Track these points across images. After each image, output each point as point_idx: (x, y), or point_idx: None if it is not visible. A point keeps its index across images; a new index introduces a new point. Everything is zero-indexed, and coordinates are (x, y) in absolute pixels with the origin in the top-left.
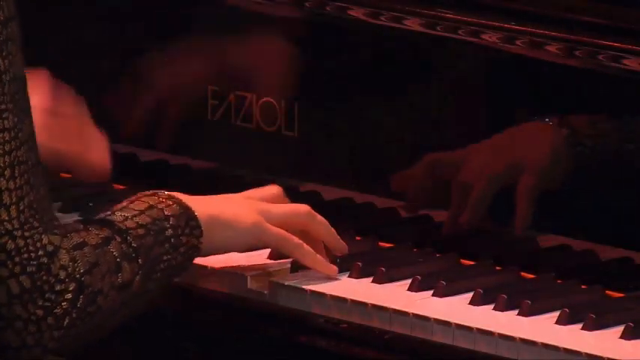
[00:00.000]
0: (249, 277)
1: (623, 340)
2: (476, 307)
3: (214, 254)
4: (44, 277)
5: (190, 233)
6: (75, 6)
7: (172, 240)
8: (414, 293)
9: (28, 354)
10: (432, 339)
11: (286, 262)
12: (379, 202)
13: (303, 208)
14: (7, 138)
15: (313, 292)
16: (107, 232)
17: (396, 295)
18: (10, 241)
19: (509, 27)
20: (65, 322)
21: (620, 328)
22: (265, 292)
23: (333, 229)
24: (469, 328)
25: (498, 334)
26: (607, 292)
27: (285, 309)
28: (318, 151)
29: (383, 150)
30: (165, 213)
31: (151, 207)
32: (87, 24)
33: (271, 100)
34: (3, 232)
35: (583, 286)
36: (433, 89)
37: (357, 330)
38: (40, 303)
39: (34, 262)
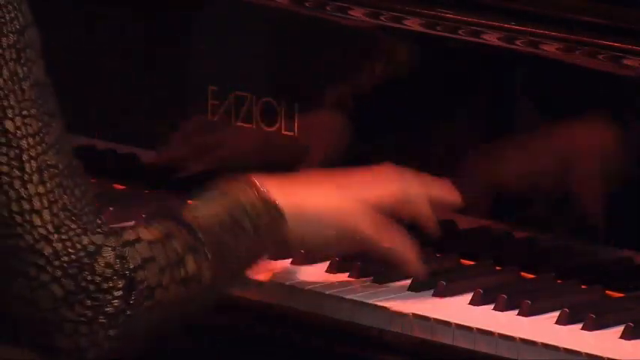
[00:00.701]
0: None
1: (623, 340)
2: (476, 307)
3: (307, 249)
4: (88, 277)
5: (271, 218)
6: (74, 6)
7: (250, 229)
8: (414, 293)
9: (86, 356)
10: (432, 339)
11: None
12: None
13: (415, 188)
14: (32, 143)
15: (312, 292)
16: (171, 226)
17: (396, 295)
18: (47, 246)
19: (509, 27)
20: (120, 320)
21: (620, 328)
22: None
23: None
24: (469, 328)
25: (498, 334)
26: (607, 292)
27: (283, 308)
28: (318, 151)
29: (383, 150)
30: (241, 199)
31: (226, 194)
32: (87, 24)
33: (271, 100)
34: (38, 237)
35: (583, 286)
36: (433, 89)
37: (357, 330)
38: (89, 303)
39: (75, 264)
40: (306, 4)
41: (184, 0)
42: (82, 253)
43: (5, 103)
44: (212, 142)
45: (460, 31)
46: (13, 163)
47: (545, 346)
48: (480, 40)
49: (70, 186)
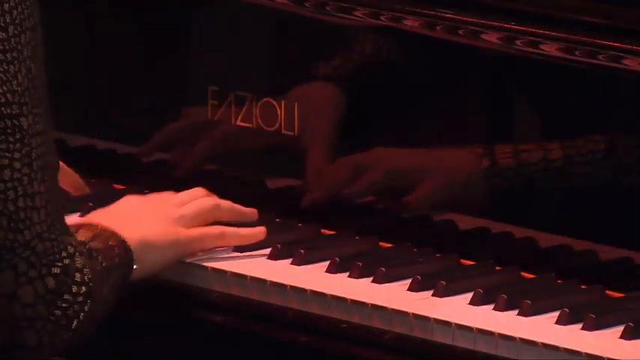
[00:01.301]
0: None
1: (623, 340)
2: (476, 307)
3: (140, 278)
4: (64, 279)
5: (128, 265)
6: (74, 6)
7: (121, 269)
8: (414, 293)
9: (41, 354)
10: (432, 339)
11: None
12: (379, 202)
13: (206, 202)
14: (39, 142)
15: (312, 292)
16: (85, 249)
17: (396, 295)
18: (39, 244)
19: (509, 27)
20: (74, 325)
21: (620, 328)
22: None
23: (237, 207)
24: (469, 328)
25: (498, 334)
26: (607, 292)
27: (282, 308)
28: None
29: (383, 149)
30: (110, 243)
31: (97, 236)
32: (86, 24)
33: (271, 100)
34: (34, 234)
35: (583, 286)
36: (433, 89)
37: (357, 330)
38: (59, 304)
39: (59, 264)
40: (306, 4)
41: (184, 0)
42: (64, 254)
43: (22, 100)
44: (211, 141)
45: (460, 31)
46: (25, 160)
47: (545, 346)
48: (480, 40)
49: (58, 188)
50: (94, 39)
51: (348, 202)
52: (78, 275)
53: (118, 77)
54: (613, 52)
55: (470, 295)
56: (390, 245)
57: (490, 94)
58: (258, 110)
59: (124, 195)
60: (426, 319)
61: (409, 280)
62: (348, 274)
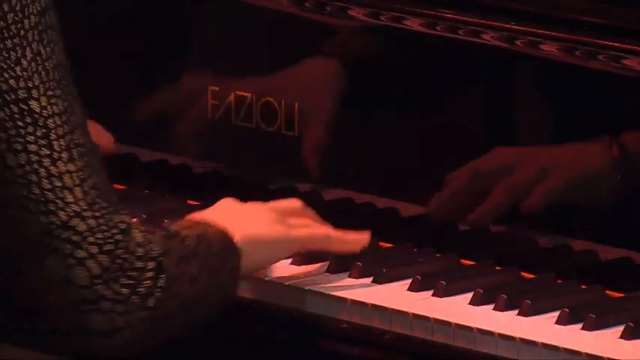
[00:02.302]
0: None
1: (623, 340)
2: (476, 307)
3: (248, 274)
4: (123, 255)
5: (234, 255)
6: (73, 6)
7: (219, 258)
8: (414, 293)
9: (121, 337)
10: (432, 339)
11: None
12: (379, 202)
13: (321, 232)
14: (58, 122)
15: (312, 292)
16: (169, 232)
17: (396, 295)
18: (81, 222)
19: (509, 27)
20: (150, 302)
21: (620, 328)
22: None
23: (348, 239)
24: (469, 328)
25: (498, 334)
26: (607, 292)
27: (283, 308)
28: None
29: (383, 150)
30: (210, 231)
31: (195, 224)
32: (86, 24)
33: (271, 100)
34: (72, 214)
35: (583, 286)
36: (433, 89)
37: (357, 330)
38: (124, 281)
39: (110, 240)
40: (306, 5)
41: (184, 0)
42: (115, 230)
43: (30, 84)
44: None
45: (460, 31)
46: (41, 141)
47: (545, 346)
48: (480, 40)
49: (98, 166)
50: (93, 39)
51: (347, 203)
52: (140, 250)
53: (118, 77)
54: (613, 52)
55: (470, 295)
56: (390, 245)
57: (490, 94)
58: (258, 110)
59: (124, 195)
60: (426, 319)
61: (409, 280)
62: (348, 274)
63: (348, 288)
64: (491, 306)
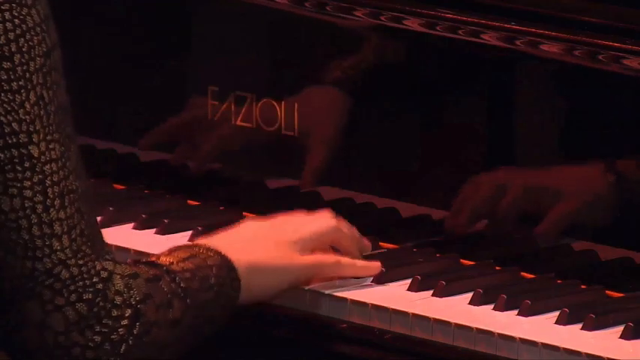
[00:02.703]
0: None
1: (623, 340)
2: (476, 307)
3: (251, 303)
4: (101, 303)
5: (231, 286)
6: (73, 5)
7: (216, 289)
8: (413, 293)
9: None
10: (432, 339)
11: None
12: (379, 202)
13: (326, 225)
14: (54, 168)
15: (312, 292)
16: (156, 271)
17: (395, 295)
18: (64, 270)
19: (509, 27)
20: (122, 349)
21: (620, 328)
22: None
23: (357, 234)
24: (469, 328)
25: (498, 334)
26: (607, 292)
27: (287, 309)
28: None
29: (383, 150)
30: (208, 262)
31: (193, 256)
32: (86, 24)
33: (271, 100)
34: (57, 261)
35: (583, 286)
36: (433, 89)
37: (357, 330)
38: (98, 329)
39: (90, 289)
40: (306, 5)
41: (185, 0)
42: (96, 279)
43: (31, 128)
44: (212, 142)
45: (460, 31)
46: (37, 188)
47: (545, 346)
48: (480, 40)
49: (86, 211)
50: (93, 39)
51: (347, 203)
52: (118, 298)
53: (118, 77)
54: (613, 52)
55: (470, 295)
56: (390, 245)
57: (490, 94)
58: (258, 110)
59: (124, 195)
60: (426, 319)
61: (409, 280)
62: None
63: (348, 288)
64: (491, 306)
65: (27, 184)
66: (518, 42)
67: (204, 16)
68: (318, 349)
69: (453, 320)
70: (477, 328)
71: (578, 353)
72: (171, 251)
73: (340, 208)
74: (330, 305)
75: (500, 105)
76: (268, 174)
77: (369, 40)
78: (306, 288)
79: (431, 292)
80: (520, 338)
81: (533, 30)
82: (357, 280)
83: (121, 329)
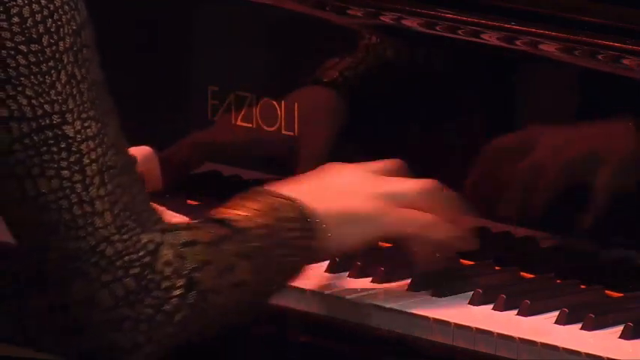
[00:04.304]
0: None
1: (622, 340)
2: (475, 307)
3: (337, 253)
4: (149, 276)
5: (308, 234)
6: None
7: (291, 241)
8: (413, 293)
9: (142, 353)
10: (432, 339)
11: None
12: None
13: (433, 184)
14: (91, 146)
15: (311, 292)
16: (223, 231)
17: (395, 295)
18: (108, 247)
19: (509, 27)
20: (176, 318)
21: (620, 328)
22: None
23: (457, 202)
24: (469, 328)
25: (498, 334)
26: (607, 292)
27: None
28: (318, 152)
29: (383, 149)
30: (282, 213)
31: (266, 205)
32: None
33: (271, 100)
34: (100, 239)
35: (583, 286)
36: (433, 89)
37: (356, 330)
38: (148, 302)
39: (137, 263)
40: (306, 4)
41: (185, 0)
42: (142, 252)
43: (64, 108)
44: (212, 142)
45: (460, 31)
46: (74, 167)
47: (545, 346)
48: (480, 40)
49: (128, 184)
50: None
51: None
52: (167, 269)
53: (118, 77)
54: (613, 52)
55: (470, 295)
56: (390, 245)
57: (490, 94)
58: (258, 110)
59: None
60: (426, 319)
61: (409, 280)
62: (347, 274)
63: (347, 288)
64: (491, 306)
65: (64, 164)
66: (518, 42)
67: (204, 16)
68: (319, 349)
69: (452, 320)
70: (476, 328)
71: (577, 353)
72: (244, 199)
73: None
74: (330, 305)
75: (499, 105)
76: (268, 174)
77: (368, 40)
78: (307, 289)
79: (431, 292)
80: (520, 338)
81: (533, 30)
82: (355, 280)
83: (173, 299)
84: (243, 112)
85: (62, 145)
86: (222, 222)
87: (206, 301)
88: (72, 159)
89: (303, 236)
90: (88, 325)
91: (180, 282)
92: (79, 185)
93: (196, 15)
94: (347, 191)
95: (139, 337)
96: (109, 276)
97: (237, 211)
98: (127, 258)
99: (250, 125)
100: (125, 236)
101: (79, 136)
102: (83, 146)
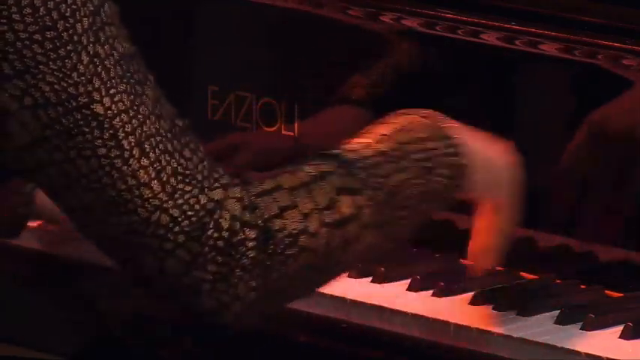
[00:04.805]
0: None
1: (622, 340)
2: (475, 307)
3: (475, 195)
4: (214, 235)
5: (450, 152)
6: None
7: (425, 163)
8: (413, 293)
9: (231, 312)
10: (431, 339)
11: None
12: None
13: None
14: (125, 120)
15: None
16: (325, 167)
17: (395, 295)
18: (162, 215)
19: (509, 27)
20: (259, 271)
21: (620, 328)
22: None
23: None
24: (469, 328)
25: (498, 334)
26: (606, 292)
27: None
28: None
29: None
30: (418, 135)
31: (400, 130)
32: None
33: (271, 100)
34: (152, 209)
35: (583, 286)
36: (433, 89)
37: (356, 330)
38: (220, 260)
39: (197, 225)
40: (306, 4)
41: (184, 0)
42: (202, 213)
43: (90, 88)
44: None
45: (460, 31)
46: (110, 143)
47: (545, 346)
48: (480, 40)
49: (177, 148)
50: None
51: None
52: (235, 223)
53: None
54: (613, 52)
55: (470, 295)
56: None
57: (490, 94)
58: (258, 110)
59: None
60: (425, 319)
61: (409, 280)
62: (347, 273)
63: (347, 288)
64: (491, 306)
65: (98, 142)
66: (518, 42)
67: (204, 16)
68: (318, 348)
69: (452, 320)
70: (476, 328)
71: (577, 353)
72: (377, 127)
73: None
74: (330, 305)
75: (499, 105)
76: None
77: (367, 39)
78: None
79: (430, 292)
80: (520, 338)
81: (533, 30)
82: (354, 280)
83: (250, 252)
84: (243, 112)
85: (93, 124)
86: (331, 156)
87: (296, 245)
88: (106, 135)
89: (448, 153)
90: (171, 295)
91: (253, 233)
92: (118, 160)
93: (197, 15)
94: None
95: (222, 297)
96: (170, 244)
97: (361, 140)
98: (185, 222)
99: (250, 125)
100: (180, 201)
101: (109, 112)
102: (116, 121)
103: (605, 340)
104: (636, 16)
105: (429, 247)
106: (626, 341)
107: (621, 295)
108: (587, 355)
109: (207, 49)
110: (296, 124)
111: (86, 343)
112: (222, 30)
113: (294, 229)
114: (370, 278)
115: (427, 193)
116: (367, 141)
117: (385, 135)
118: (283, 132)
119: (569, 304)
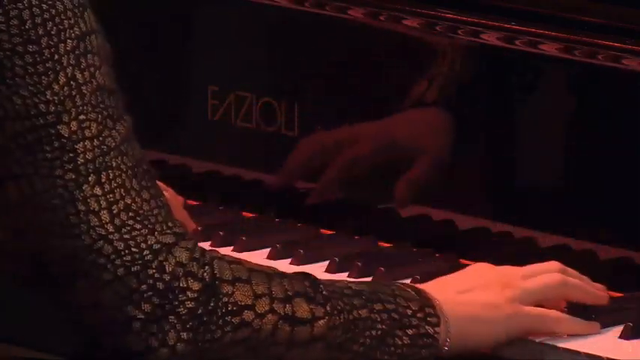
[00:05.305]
0: None
1: (622, 340)
2: None
3: (460, 351)
4: (155, 275)
5: (424, 319)
6: None
7: (394, 315)
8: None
9: (158, 358)
10: None
11: None
12: (379, 202)
13: (556, 278)
14: (88, 146)
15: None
16: (293, 275)
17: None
18: (106, 245)
19: (509, 27)
20: (194, 323)
21: (620, 328)
22: None
23: (586, 287)
24: None
25: None
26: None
27: None
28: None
29: (382, 149)
30: (395, 292)
31: (379, 284)
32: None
33: (271, 100)
34: (96, 237)
35: None
36: (433, 89)
37: None
38: (157, 301)
39: (139, 262)
40: (306, 4)
41: (184, 0)
42: (146, 252)
43: (60, 109)
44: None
45: (460, 31)
46: (67, 166)
47: (545, 345)
48: (480, 40)
49: (135, 187)
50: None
51: (347, 201)
52: (179, 270)
53: (118, 77)
54: (613, 52)
55: None
56: (389, 245)
57: (490, 94)
58: (258, 110)
59: None
60: None
61: (409, 280)
62: (347, 274)
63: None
64: None
65: (57, 163)
66: (518, 42)
67: (204, 16)
68: None
69: None
70: None
71: (577, 353)
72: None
73: (340, 208)
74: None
75: (499, 105)
76: (268, 174)
77: (368, 40)
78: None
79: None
80: (519, 338)
81: (533, 30)
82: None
83: (188, 302)
84: (243, 112)
85: (55, 145)
86: (299, 273)
87: (239, 317)
88: (65, 158)
89: (418, 318)
90: (98, 326)
91: (197, 286)
92: (72, 184)
93: (196, 15)
94: (478, 288)
95: (151, 340)
96: (109, 275)
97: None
98: (128, 257)
99: (250, 125)
100: (126, 236)
101: (74, 136)
102: (79, 146)
103: (605, 340)
104: (636, 16)
105: (428, 247)
106: (626, 341)
107: (621, 295)
108: (587, 355)
109: (207, 49)
110: (296, 124)
111: (86, 344)
112: (222, 30)
113: (241, 301)
114: (370, 278)
115: (386, 343)
116: (346, 283)
117: (363, 283)
118: (283, 132)
119: (568, 304)
